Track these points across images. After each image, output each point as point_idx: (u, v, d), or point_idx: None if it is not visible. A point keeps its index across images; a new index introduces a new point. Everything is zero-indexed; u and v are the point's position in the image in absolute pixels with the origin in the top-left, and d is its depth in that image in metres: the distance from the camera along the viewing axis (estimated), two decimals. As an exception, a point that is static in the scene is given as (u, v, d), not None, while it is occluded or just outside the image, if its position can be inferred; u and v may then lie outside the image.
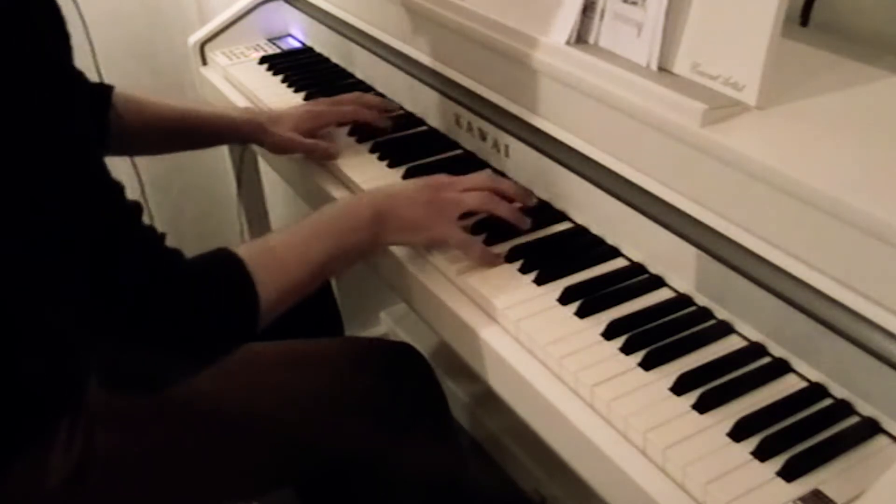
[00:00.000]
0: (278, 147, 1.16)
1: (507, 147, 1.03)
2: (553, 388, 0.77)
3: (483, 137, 1.07)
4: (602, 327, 0.80)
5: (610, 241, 0.92)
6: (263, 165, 1.53)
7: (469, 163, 1.09)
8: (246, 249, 0.80)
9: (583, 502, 0.95)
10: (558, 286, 0.86)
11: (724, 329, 0.80)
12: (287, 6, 1.49)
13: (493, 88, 1.04)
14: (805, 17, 1.05)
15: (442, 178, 0.96)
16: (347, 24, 1.32)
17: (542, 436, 0.79)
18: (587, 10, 0.92)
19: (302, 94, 1.31)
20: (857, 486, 0.64)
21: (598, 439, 0.71)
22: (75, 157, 0.69)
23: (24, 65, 0.64)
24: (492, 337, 0.83)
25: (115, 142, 1.08)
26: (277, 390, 0.96)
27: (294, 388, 0.96)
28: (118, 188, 0.72)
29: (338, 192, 1.09)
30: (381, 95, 1.28)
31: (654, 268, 0.88)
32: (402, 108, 1.22)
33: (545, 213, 0.98)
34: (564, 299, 0.84)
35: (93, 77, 1.09)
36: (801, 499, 0.64)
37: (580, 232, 0.95)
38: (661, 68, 0.86)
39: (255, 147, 1.31)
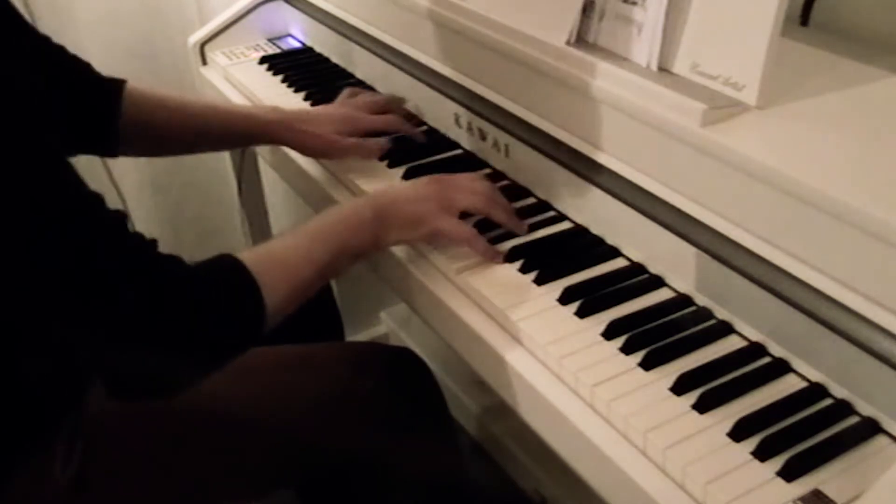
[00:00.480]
0: (316, 149, 1.11)
1: (507, 147, 1.03)
2: (553, 387, 0.77)
3: (483, 137, 1.07)
4: (602, 327, 0.80)
5: (610, 241, 0.92)
6: (263, 165, 1.53)
7: (469, 163, 1.09)
8: (248, 254, 0.80)
9: (583, 502, 0.94)
10: (558, 286, 0.86)
11: (724, 329, 0.80)
12: (287, 6, 1.49)
13: (493, 88, 1.04)
14: (805, 17, 1.05)
15: (443, 177, 0.96)
16: (347, 24, 1.32)
17: (543, 436, 0.79)
18: (587, 10, 0.92)
19: (302, 94, 1.31)
20: (857, 486, 0.64)
21: (598, 439, 0.71)
22: (44, 176, 0.67)
23: None
24: (492, 337, 0.83)
25: (129, 141, 1.06)
26: (278, 393, 0.96)
27: (294, 391, 0.96)
28: (97, 199, 0.71)
29: (337, 192, 1.09)
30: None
31: (654, 268, 0.88)
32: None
33: (545, 213, 0.98)
34: (564, 299, 0.84)
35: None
36: (801, 499, 0.64)
37: (580, 232, 0.95)
38: (661, 68, 0.86)
39: (256, 147, 1.31)
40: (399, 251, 0.95)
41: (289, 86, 1.34)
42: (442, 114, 1.14)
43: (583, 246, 0.93)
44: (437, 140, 1.15)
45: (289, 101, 1.30)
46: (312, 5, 1.41)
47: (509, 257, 0.90)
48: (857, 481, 0.65)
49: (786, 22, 0.77)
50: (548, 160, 0.96)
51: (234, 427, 0.92)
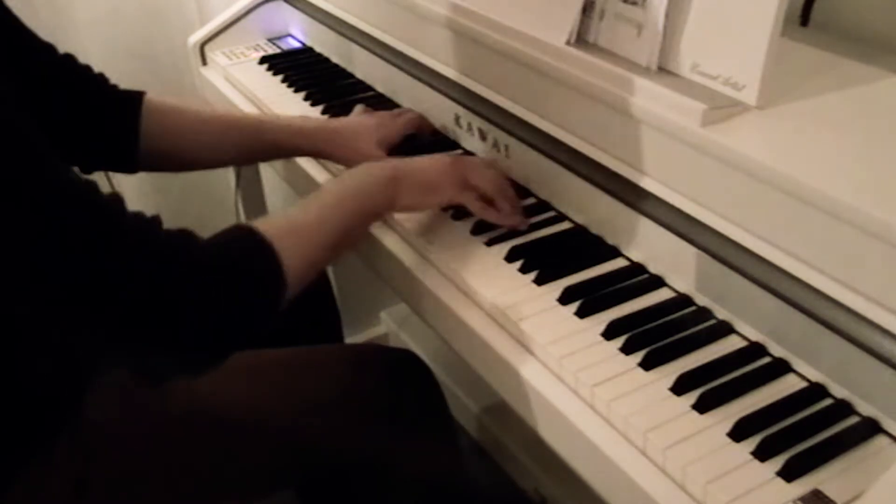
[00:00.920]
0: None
1: (507, 147, 1.03)
2: (553, 388, 0.77)
3: (483, 137, 1.07)
4: (602, 327, 0.80)
5: (610, 241, 0.92)
6: (263, 166, 1.53)
7: (469, 163, 1.09)
8: (264, 221, 0.80)
9: (583, 502, 0.94)
10: (558, 286, 0.86)
11: (724, 329, 0.80)
12: (287, 6, 1.49)
13: (492, 88, 1.04)
14: (805, 17, 1.05)
15: (459, 156, 0.98)
16: (347, 24, 1.32)
17: (543, 436, 0.79)
18: (587, 10, 0.92)
19: (302, 94, 1.31)
20: (857, 486, 0.64)
21: (598, 439, 0.71)
22: (33, 169, 0.64)
23: None
24: (492, 337, 0.83)
25: (151, 157, 1.03)
26: (278, 394, 0.96)
27: (295, 392, 0.96)
28: (90, 186, 0.69)
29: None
30: (381, 95, 1.28)
31: (654, 268, 0.88)
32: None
33: (545, 213, 0.98)
34: (564, 299, 0.84)
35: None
36: (801, 499, 0.64)
37: (580, 232, 0.95)
38: (661, 68, 0.86)
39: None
40: (400, 252, 0.95)
41: (289, 86, 1.34)
42: (442, 114, 1.14)
43: (583, 246, 0.93)
44: (438, 140, 1.15)
45: (289, 101, 1.30)
46: (312, 5, 1.41)
47: (509, 257, 0.90)
48: (857, 481, 0.65)
49: (786, 22, 0.77)
50: (548, 160, 0.96)
51: (234, 428, 0.92)
